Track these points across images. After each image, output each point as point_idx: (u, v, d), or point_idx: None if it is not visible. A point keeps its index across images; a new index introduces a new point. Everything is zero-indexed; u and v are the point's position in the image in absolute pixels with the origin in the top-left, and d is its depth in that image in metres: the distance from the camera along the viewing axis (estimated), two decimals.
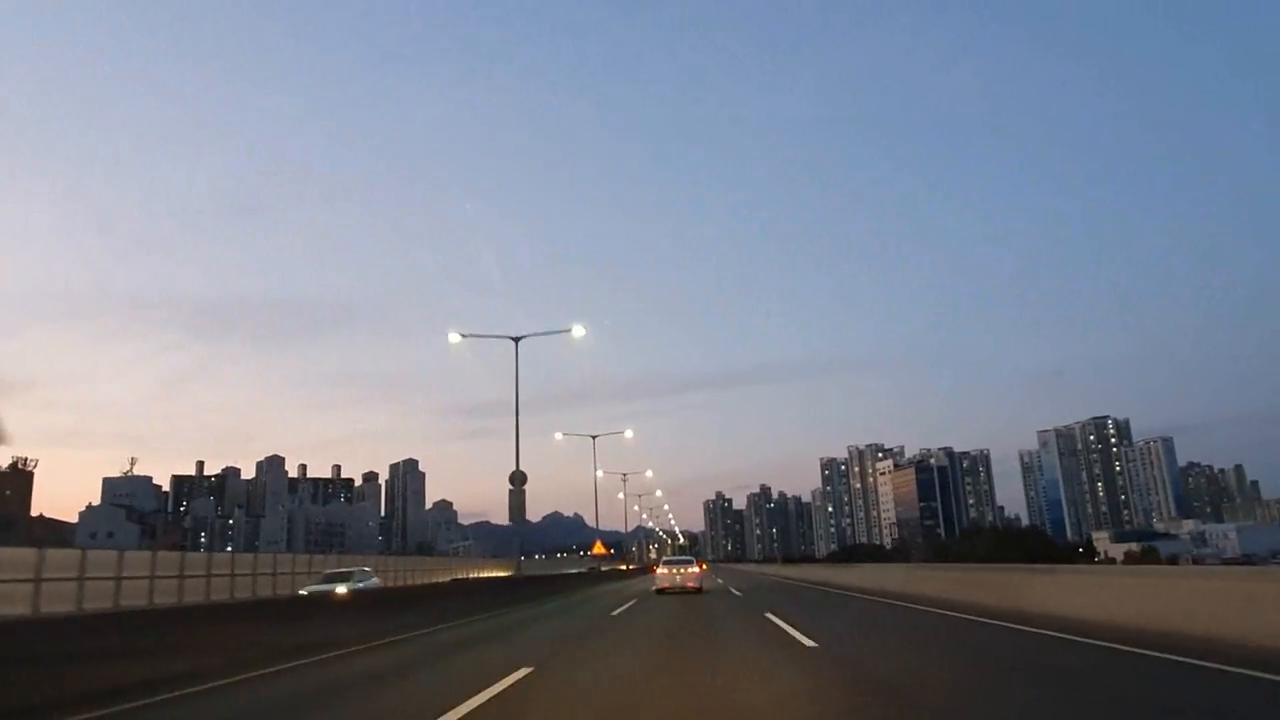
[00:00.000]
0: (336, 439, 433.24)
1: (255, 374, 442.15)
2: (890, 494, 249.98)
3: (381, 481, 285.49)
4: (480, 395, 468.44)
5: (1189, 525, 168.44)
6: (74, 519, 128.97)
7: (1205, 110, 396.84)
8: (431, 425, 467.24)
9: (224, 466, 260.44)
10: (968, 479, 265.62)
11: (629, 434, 57.59)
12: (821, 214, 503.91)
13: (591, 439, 54.33)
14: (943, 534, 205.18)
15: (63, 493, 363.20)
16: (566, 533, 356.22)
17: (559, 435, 57.47)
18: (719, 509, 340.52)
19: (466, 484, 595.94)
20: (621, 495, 76.15)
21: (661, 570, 30.12)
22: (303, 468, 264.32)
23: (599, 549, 68.03)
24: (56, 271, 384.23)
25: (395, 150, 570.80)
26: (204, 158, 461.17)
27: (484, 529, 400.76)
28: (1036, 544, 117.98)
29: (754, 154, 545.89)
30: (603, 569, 65.50)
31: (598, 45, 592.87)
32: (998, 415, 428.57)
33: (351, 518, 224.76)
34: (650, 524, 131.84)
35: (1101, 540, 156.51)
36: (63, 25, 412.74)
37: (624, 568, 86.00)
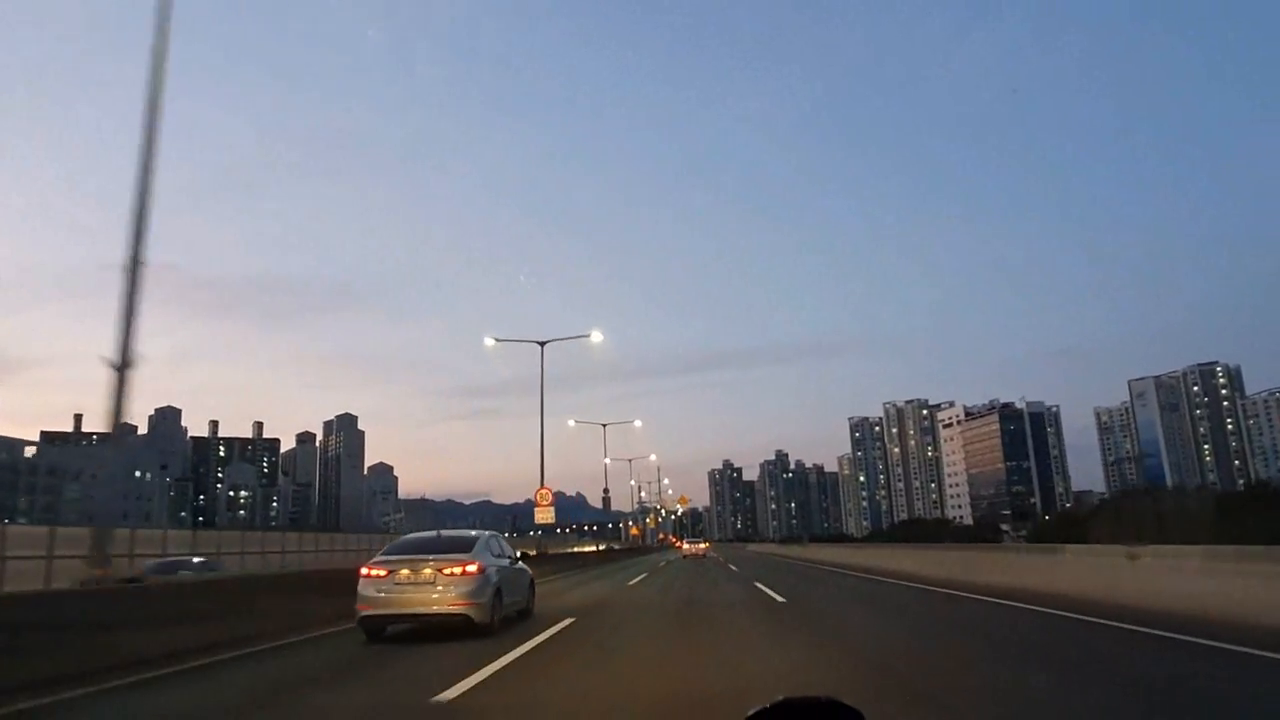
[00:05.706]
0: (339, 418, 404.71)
1: (257, 352, 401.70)
2: (960, 453, 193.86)
3: (318, 443, 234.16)
4: (486, 376, 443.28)
5: None
6: None
7: None
8: (436, 405, 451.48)
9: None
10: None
11: (596, 337, 40.84)
12: (832, 193, 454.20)
13: (539, 345, 38.14)
14: (1038, 505, 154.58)
15: None
16: (567, 512, 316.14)
17: (489, 340, 41.29)
18: (726, 480, 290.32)
19: (468, 464, 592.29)
20: (608, 460, 64.00)
21: (685, 545, 65.07)
22: (214, 424, 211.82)
23: None
24: (55, 249, 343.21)
25: (395, 131, 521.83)
26: (204, 133, 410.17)
27: (484, 508, 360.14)
28: None
29: (760, 126, 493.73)
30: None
31: (599, 30, 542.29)
32: (1030, 389, 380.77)
33: (114, 469, 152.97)
34: (650, 502, 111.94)
35: None
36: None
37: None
